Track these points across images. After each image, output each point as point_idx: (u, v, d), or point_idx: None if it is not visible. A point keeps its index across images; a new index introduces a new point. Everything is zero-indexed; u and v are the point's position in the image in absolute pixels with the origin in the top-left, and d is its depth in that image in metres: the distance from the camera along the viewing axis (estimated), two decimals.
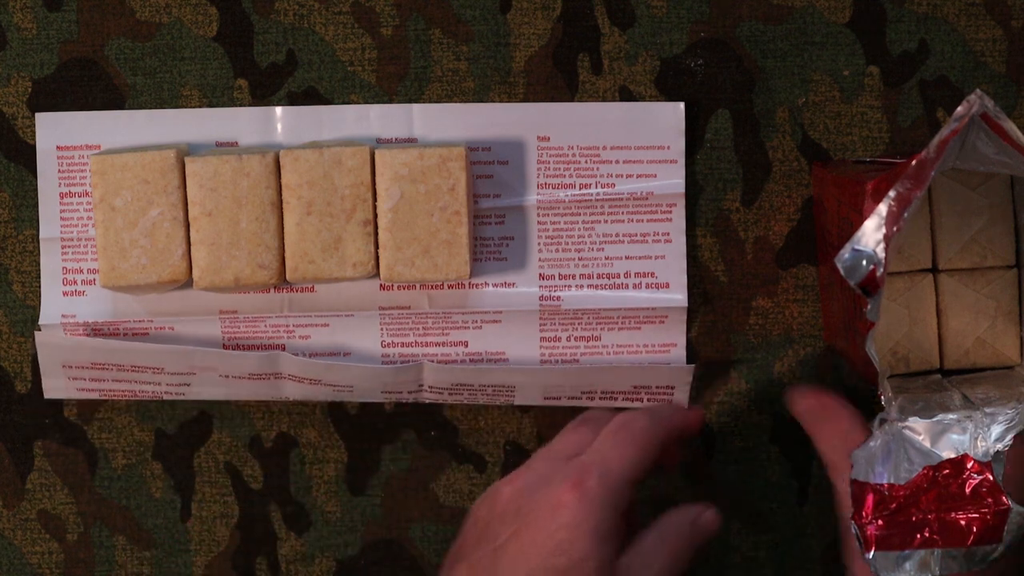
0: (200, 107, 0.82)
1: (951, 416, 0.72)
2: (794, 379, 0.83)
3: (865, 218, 0.68)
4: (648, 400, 0.82)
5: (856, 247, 0.67)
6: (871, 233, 0.68)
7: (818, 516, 0.84)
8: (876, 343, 0.78)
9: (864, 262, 0.67)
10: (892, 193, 0.68)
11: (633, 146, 0.81)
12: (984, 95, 0.68)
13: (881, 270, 0.67)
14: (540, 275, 0.82)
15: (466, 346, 0.82)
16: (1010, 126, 0.68)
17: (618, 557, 0.70)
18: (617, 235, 0.82)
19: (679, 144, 0.81)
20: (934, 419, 0.72)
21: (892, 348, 0.79)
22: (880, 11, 0.81)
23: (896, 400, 0.74)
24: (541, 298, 0.82)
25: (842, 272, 0.67)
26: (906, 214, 0.68)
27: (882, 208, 0.68)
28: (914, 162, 0.68)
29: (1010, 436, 0.71)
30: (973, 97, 0.68)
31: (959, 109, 0.68)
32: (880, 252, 0.67)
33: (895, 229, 0.67)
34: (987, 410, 0.73)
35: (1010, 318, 0.79)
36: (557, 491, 0.70)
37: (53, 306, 0.82)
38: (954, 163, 0.72)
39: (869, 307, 0.68)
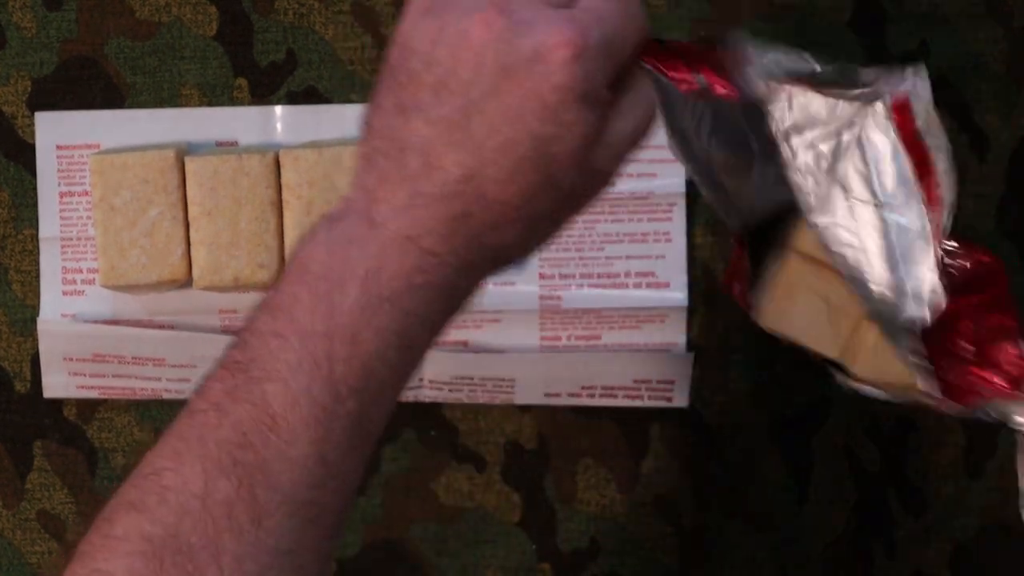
0: (200, 106, 0.82)
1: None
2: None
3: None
4: (649, 396, 0.81)
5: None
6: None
7: (818, 516, 0.83)
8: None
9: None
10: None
11: None
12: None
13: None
14: (540, 274, 0.82)
15: (466, 345, 0.82)
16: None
17: (603, 127, 0.60)
18: (617, 234, 0.82)
19: None
20: None
21: None
22: (880, 11, 0.81)
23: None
24: (541, 297, 0.82)
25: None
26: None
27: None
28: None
29: None
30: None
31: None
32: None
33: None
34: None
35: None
36: (551, 45, 0.57)
37: (53, 306, 0.82)
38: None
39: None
